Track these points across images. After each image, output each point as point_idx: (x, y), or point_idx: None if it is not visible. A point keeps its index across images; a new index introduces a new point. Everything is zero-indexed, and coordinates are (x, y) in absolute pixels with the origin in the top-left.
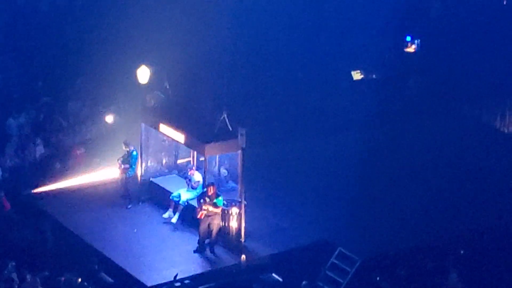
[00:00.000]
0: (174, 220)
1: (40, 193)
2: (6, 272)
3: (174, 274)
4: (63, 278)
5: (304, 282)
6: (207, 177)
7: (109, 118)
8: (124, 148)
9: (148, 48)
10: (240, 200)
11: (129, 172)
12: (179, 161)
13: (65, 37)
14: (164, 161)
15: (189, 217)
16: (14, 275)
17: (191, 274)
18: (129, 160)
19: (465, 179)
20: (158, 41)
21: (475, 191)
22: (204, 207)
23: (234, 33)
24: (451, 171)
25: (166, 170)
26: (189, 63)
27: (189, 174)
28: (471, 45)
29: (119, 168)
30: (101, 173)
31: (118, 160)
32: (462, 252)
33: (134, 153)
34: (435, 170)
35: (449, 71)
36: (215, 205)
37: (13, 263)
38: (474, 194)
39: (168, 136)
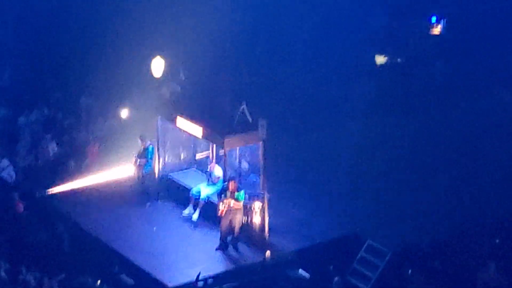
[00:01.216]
0: (194, 217)
1: (55, 193)
2: (21, 275)
3: (197, 274)
4: (81, 281)
5: (336, 278)
6: (227, 171)
7: (124, 113)
8: (140, 143)
9: (163, 38)
10: (262, 194)
11: (146, 168)
12: (198, 156)
13: (75, 30)
14: (182, 156)
15: (210, 213)
16: (31, 278)
17: (214, 273)
18: (145, 156)
19: (499, 166)
20: (173, 31)
21: (509, 177)
22: (225, 202)
23: (252, 21)
24: (483, 157)
25: (185, 165)
26: (206, 53)
27: (208, 168)
28: (502, 25)
29: (135, 164)
30: (117, 170)
31: (134, 156)
32: (497, 241)
33: (150, 148)
34: (467, 157)
35: (479, 54)
36: (236, 200)
37: (29, 267)
38: (509, 181)
39: (185, 130)
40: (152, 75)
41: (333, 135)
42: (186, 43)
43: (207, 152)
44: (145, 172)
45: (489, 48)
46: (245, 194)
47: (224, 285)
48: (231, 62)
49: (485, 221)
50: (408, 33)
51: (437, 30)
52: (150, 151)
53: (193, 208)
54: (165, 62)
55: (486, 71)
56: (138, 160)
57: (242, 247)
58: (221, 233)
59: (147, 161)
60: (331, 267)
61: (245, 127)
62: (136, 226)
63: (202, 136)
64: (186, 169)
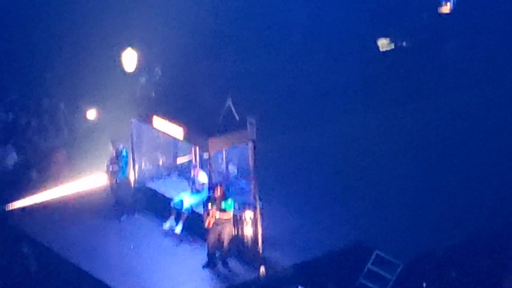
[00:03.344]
0: (177, 230)
1: (16, 209)
2: None
3: None
4: None
5: None
6: (213, 177)
7: (92, 115)
8: (111, 148)
9: (134, 27)
10: (254, 202)
11: (120, 176)
12: (178, 161)
13: (33, 21)
14: (161, 161)
15: (195, 226)
16: None
17: None
18: (118, 162)
19: None
20: (145, 19)
21: None
22: (212, 213)
23: (238, 5)
24: (499, 153)
25: (165, 172)
26: (184, 43)
27: (192, 175)
28: None
29: (107, 172)
30: (87, 180)
31: (105, 163)
32: None
33: (124, 151)
34: (483, 153)
35: (492, 34)
36: (224, 210)
37: None
38: None
39: (164, 132)
40: (123, 71)
41: (332, 132)
42: (161, 32)
43: (189, 156)
44: (119, 180)
45: (504, 28)
46: (234, 202)
47: None
48: (214, 52)
49: (508, 224)
50: (414, 12)
51: (446, 8)
52: (124, 155)
53: (175, 220)
54: (138, 54)
55: (501, 53)
56: (110, 166)
57: (232, 263)
58: (208, 248)
59: (121, 167)
60: (334, 283)
61: (231, 126)
62: (110, 243)
63: (183, 138)
64: (166, 176)
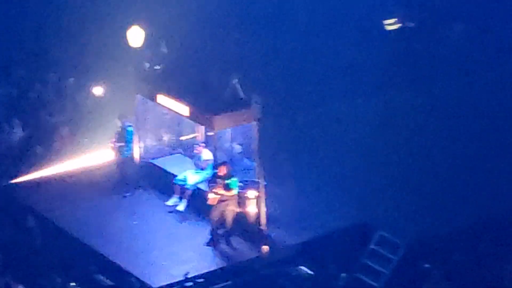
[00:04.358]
0: (181, 208)
1: (21, 183)
2: None
3: (184, 273)
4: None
5: (343, 275)
6: (217, 155)
7: (98, 90)
8: (118, 123)
9: (141, 2)
10: (258, 180)
11: (125, 152)
12: (183, 138)
13: None
14: (165, 139)
15: (198, 203)
16: None
17: (204, 272)
18: (123, 138)
19: None
20: None
21: None
22: (215, 190)
23: None
24: (507, 136)
25: (169, 149)
26: (190, 19)
27: (196, 152)
28: None
29: (112, 148)
30: (91, 156)
31: (110, 139)
32: None
33: (129, 128)
34: (488, 135)
35: (504, 14)
36: (228, 188)
37: None
38: None
39: (169, 109)
40: (129, 47)
41: (338, 112)
42: (167, 9)
43: (194, 134)
44: (123, 157)
45: None
46: (238, 181)
47: (216, 285)
48: (220, 29)
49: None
50: None
51: None
52: (129, 131)
53: (179, 197)
54: (144, 31)
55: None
56: (116, 144)
57: (235, 241)
58: (211, 226)
59: (126, 144)
60: (337, 263)
61: (237, 105)
62: (114, 219)
63: (188, 116)
64: (170, 153)
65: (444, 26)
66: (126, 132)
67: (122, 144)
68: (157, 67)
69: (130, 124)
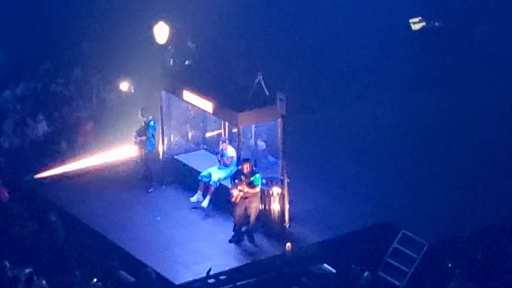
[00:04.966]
0: (204, 204)
1: (45, 178)
2: (7, 272)
3: (207, 269)
4: (75, 278)
5: (366, 274)
6: (241, 152)
7: (124, 86)
8: (141, 117)
9: (167, 1)
10: (282, 177)
11: (148, 147)
12: (207, 134)
13: None
14: (190, 135)
15: (222, 200)
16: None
17: (226, 269)
18: (146, 132)
19: None
20: None
21: None
22: (239, 187)
23: None
24: None
25: (193, 146)
26: (217, 17)
27: (220, 149)
28: None
29: (135, 143)
30: (115, 151)
31: (134, 133)
32: None
33: (152, 123)
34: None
35: None
36: (252, 185)
37: (16, 262)
38: None
39: (194, 105)
40: (155, 43)
41: (362, 111)
42: (194, 6)
43: (218, 130)
44: (147, 151)
45: None
46: (261, 178)
47: (239, 283)
48: (245, 27)
49: None
50: None
51: None
52: (152, 125)
53: (203, 194)
54: (170, 28)
55: None
56: (138, 137)
57: (258, 238)
58: (234, 222)
59: (149, 138)
60: (360, 261)
61: (261, 102)
62: (137, 215)
63: (213, 112)
64: (194, 149)
65: (470, 27)
66: (148, 126)
67: (144, 138)
68: (187, 62)
69: (153, 118)
